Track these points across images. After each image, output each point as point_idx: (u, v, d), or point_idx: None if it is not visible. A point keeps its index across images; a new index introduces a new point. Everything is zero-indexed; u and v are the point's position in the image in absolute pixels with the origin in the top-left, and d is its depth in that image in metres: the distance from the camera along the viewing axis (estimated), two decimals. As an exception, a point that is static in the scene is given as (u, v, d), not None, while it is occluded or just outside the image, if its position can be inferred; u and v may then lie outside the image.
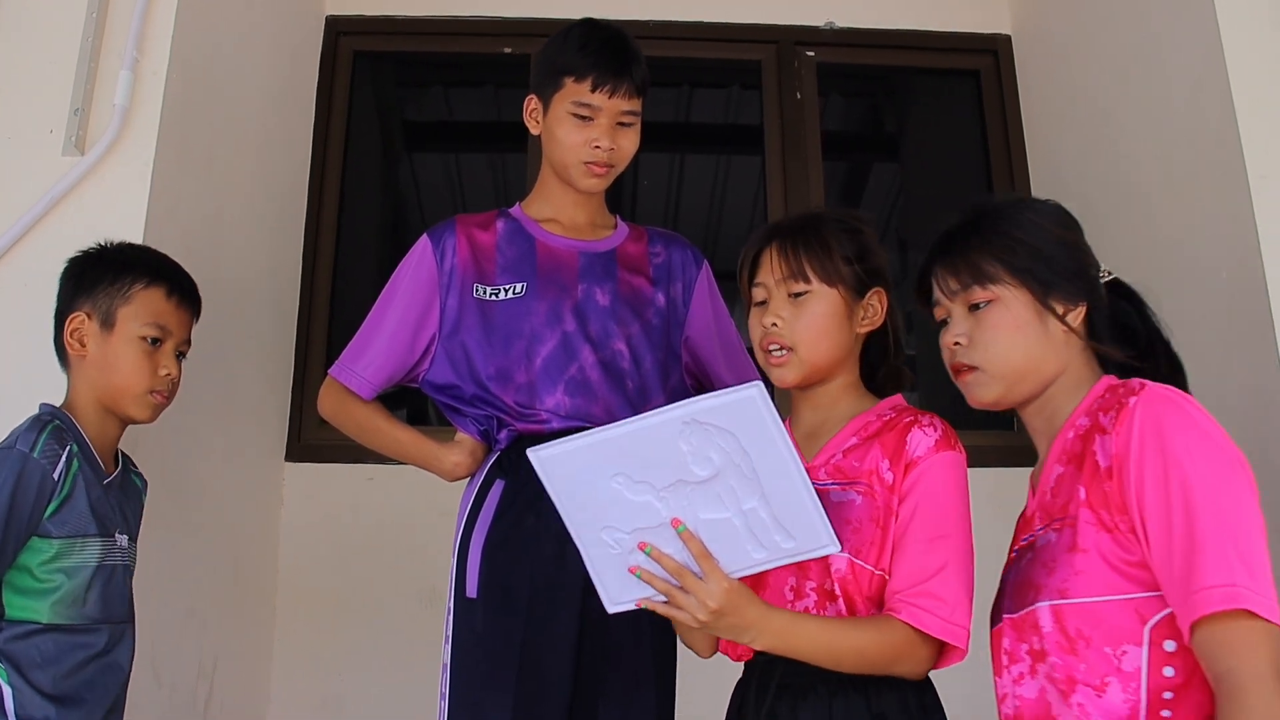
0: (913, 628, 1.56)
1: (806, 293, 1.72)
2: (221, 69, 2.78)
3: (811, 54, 3.82)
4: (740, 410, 1.44)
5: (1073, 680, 1.41)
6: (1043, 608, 1.45)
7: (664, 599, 1.55)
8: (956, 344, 1.60)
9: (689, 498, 1.50)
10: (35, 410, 1.91)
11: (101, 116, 2.37)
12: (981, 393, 1.59)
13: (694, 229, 5.16)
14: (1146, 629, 1.38)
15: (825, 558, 1.59)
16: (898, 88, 4.29)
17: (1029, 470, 1.67)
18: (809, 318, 1.71)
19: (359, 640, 3.22)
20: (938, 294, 1.64)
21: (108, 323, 1.94)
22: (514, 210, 2.23)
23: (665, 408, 1.47)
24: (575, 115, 2.07)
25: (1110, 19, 3.09)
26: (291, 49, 3.46)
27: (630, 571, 1.55)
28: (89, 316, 1.94)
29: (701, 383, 2.25)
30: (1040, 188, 3.54)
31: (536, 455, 1.53)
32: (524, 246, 2.15)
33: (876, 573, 1.60)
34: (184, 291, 2.02)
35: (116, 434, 1.99)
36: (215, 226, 2.75)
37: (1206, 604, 1.30)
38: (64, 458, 1.82)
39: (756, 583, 1.62)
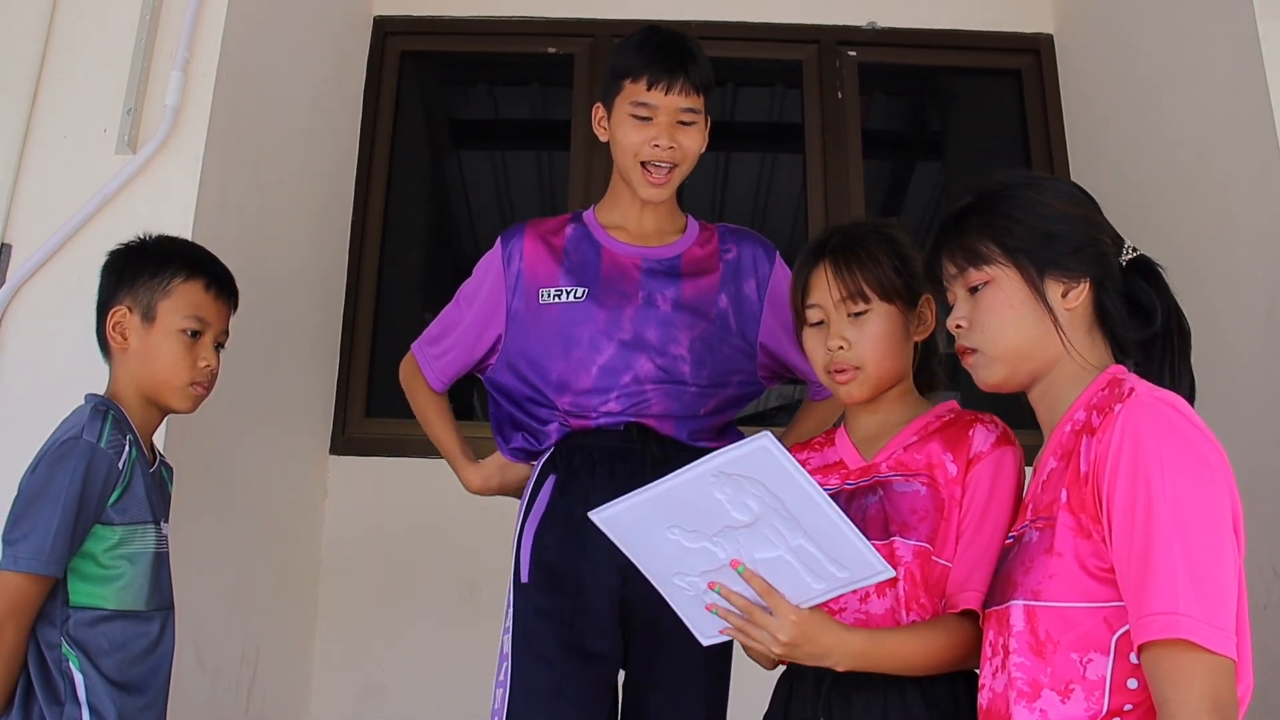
0: (975, 619, 1.59)
1: (867, 311, 1.73)
2: (270, 69, 2.85)
3: (853, 54, 3.83)
4: (757, 459, 1.45)
5: (1038, 684, 1.40)
6: (1017, 606, 1.44)
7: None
8: (959, 327, 1.60)
9: (739, 541, 1.53)
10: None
11: (153, 116, 2.44)
12: (985, 374, 1.57)
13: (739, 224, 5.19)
14: (1114, 639, 1.37)
15: (890, 545, 1.62)
16: (939, 87, 4.29)
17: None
18: (873, 338, 1.73)
19: (400, 631, 3.27)
20: (945, 280, 1.64)
21: (149, 316, 1.96)
22: (586, 215, 2.25)
23: (690, 465, 1.50)
24: (634, 116, 2.07)
25: (1150, 19, 3.09)
26: (339, 49, 3.52)
27: (707, 609, 1.60)
28: (130, 310, 1.97)
29: (776, 371, 2.24)
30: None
31: (598, 517, 1.58)
32: (590, 252, 2.17)
33: (941, 563, 1.63)
34: (222, 284, 2.05)
35: (157, 424, 2.04)
36: (263, 224, 2.81)
37: (1149, 630, 1.29)
38: (126, 447, 1.86)
39: None
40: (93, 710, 1.78)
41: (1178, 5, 2.94)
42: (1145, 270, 1.58)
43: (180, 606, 2.15)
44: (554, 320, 2.12)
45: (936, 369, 1.87)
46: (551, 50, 3.85)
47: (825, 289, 1.75)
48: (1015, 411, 1.78)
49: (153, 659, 1.89)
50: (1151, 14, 3.10)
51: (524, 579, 2.04)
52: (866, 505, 1.69)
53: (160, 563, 1.93)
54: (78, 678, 1.79)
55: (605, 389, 2.07)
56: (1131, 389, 1.42)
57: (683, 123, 2.08)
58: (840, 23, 3.84)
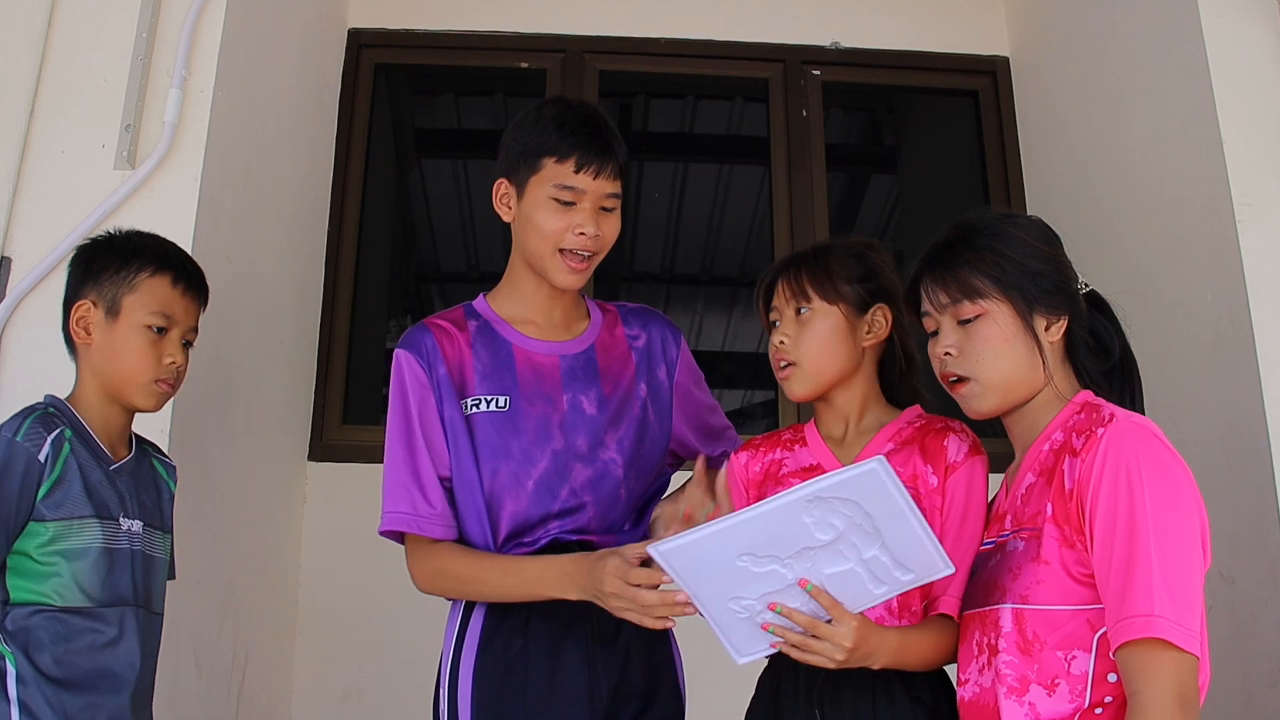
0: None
1: (810, 311, 1.86)
2: (257, 83, 2.90)
3: (817, 73, 3.95)
4: (864, 482, 1.48)
5: (1025, 680, 1.53)
6: (1005, 609, 1.58)
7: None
8: (947, 354, 1.71)
9: (814, 559, 1.56)
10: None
11: (151, 132, 2.49)
12: (978, 404, 1.69)
13: (695, 235, 5.30)
14: (1095, 638, 1.51)
15: None
16: (898, 104, 4.43)
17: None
18: (810, 333, 1.86)
19: (377, 634, 3.32)
20: (927, 305, 1.74)
21: (113, 311, 1.92)
22: (479, 305, 2.04)
23: (789, 491, 1.50)
24: (556, 200, 1.89)
25: (1106, 47, 3.23)
26: (318, 62, 3.58)
27: (764, 629, 1.61)
28: (95, 304, 1.92)
29: (677, 454, 2.11)
30: (1034, 206, 3.67)
31: (657, 550, 1.55)
32: (500, 353, 1.97)
33: None
34: (191, 280, 1.99)
35: (123, 421, 1.97)
36: (250, 237, 2.86)
37: (1128, 631, 1.43)
38: (50, 441, 1.81)
39: None
40: (22, 706, 1.75)
41: (1130, 32, 3.08)
42: (1099, 305, 1.74)
43: (177, 612, 2.19)
44: (476, 433, 1.91)
45: (917, 386, 1.96)
46: (524, 65, 3.93)
47: (779, 294, 1.90)
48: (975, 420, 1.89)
49: (103, 657, 1.82)
50: (1104, 39, 3.24)
51: None
52: None
53: (116, 559, 1.86)
54: (10, 673, 1.76)
55: (541, 506, 1.89)
56: (1111, 415, 1.56)
57: (604, 209, 1.93)
58: (805, 42, 3.97)
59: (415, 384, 1.93)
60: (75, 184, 2.45)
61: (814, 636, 1.59)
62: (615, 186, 1.93)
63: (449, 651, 1.90)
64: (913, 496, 1.75)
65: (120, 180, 2.45)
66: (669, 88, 4.35)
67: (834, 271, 1.87)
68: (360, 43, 3.89)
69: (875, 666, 1.65)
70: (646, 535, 1.95)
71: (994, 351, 1.66)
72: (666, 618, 1.67)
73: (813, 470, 1.87)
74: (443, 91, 4.47)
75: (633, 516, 1.98)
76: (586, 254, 1.92)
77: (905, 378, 1.95)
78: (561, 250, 1.90)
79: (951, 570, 1.60)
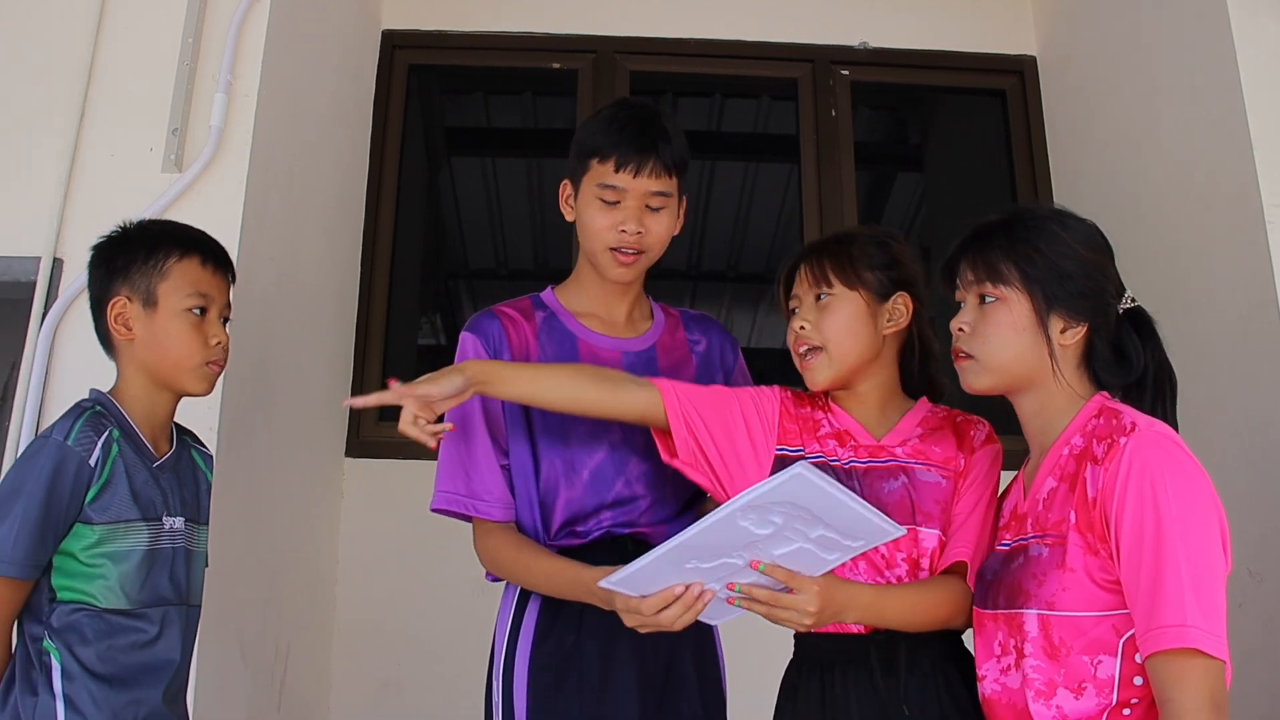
0: (963, 572, 1.77)
1: (830, 296, 1.88)
2: (299, 87, 2.96)
3: (846, 73, 3.99)
4: (794, 485, 1.54)
5: (1053, 684, 1.57)
6: (1031, 614, 1.61)
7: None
8: (961, 330, 1.74)
9: (758, 547, 1.63)
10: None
11: (197, 136, 2.55)
12: (973, 380, 1.73)
13: (722, 232, 5.34)
14: (1121, 642, 1.55)
15: (915, 536, 1.77)
16: (924, 102, 4.46)
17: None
18: (832, 318, 1.87)
19: (414, 628, 3.38)
20: (959, 281, 1.78)
21: (150, 301, 1.91)
22: (547, 298, 2.09)
23: (719, 509, 1.56)
24: (601, 199, 1.94)
25: (1133, 46, 3.26)
26: (354, 63, 3.63)
27: (728, 602, 1.69)
28: (130, 299, 1.92)
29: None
30: (1061, 204, 3.68)
31: (608, 582, 1.64)
32: (565, 344, 2.01)
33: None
34: (218, 258, 2.00)
35: (168, 412, 1.98)
36: (293, 237, 2.92)
37: (1161, 640, 1.47)
38: (100, 444, 1.82)
39: None
40: (68, 701, 1.77)
41: (1157, 31, 3.10)
42: (1138, 320, 1.74)
43: (223, 605, 2.25)
44: (534, 423, 1.96)
45: (939, 378, 1.98)
46: (556, 66, 3.97)
47: (800, 280, 1.91)
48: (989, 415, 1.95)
49: (144, 655, 1.85)
50: (1132, 39, 3.26)
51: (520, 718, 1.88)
52: (890, 489, 1.82)
53: (158, 560, 1.88)
54: (55, 669, 1.78)
55: (595, 498, 1.94)
56: (1134, 423, 1.58)
57: (651, 207, 1.96)
58: (834, 42, 4.00)
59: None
60: (124, 187, 2.51)
61: (778, 606, 1.66)
62: (661, 184, 1.95)
63: (501, 647, 1.94)
64: (949, 477, 1.83)
65: (168, 183, 2.51)
66: (697, 87, 4.39)
67: (856, 257, 1.88)
68: (394, 44, 3.94)
69: (849, 620, 1.71)
70: None
71: (1001, 338, 1.69)
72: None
73: (843, 435, 1.89)
74: (472, 90, 4.52)
75: (682, 512, 2.02)
76: (632, 250, 1.96)
77: (924, 367, 1.97)
78: (611, 247, 1.96)
79: (902, 532, 1.67)
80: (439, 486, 1.98)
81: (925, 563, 1.78)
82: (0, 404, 3.73)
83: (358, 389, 3.60)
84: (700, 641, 1.98)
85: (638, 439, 1.97)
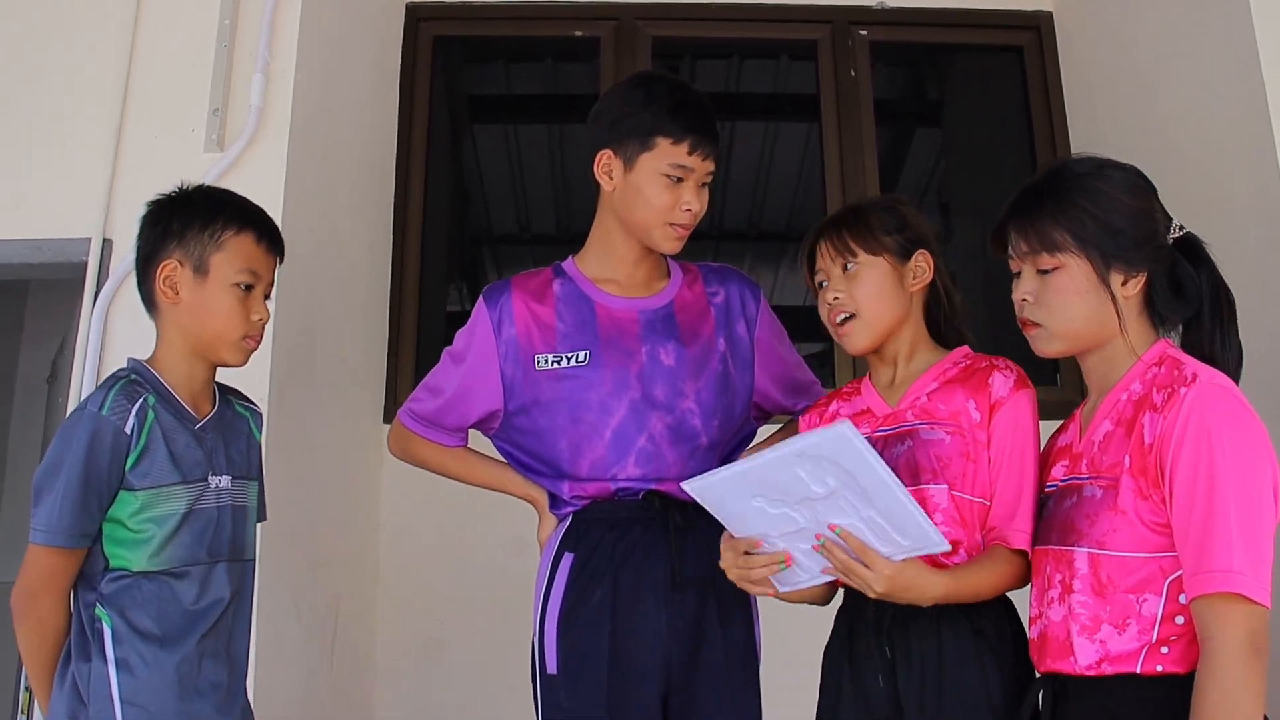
0: (1023, 552, 1.82)
1: (857, 265, 1.95)
2: (331, 64, 3.04)
3: (864, 33, 4.02)
4: (835, 443, 1.60)
5: (1098, 619, 1.64)
6: (1081, 552, 1.67)
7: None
8: (1024, 300, 1.78)
9: (817, 510, 1.68)
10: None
11: (237, 115, 2.64)
12: (1045, 347, 1.78)
13: (743, 191, 5.38)
14: (1166, 582, 1.61)
15: (923, 492, 1.83)
16: (942, 60, 4.49)
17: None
18: (863, 285, 1.94)
19: (454, 587, 3.49)
20: (1011, 250, 1.81)
21: (201, 269, 1.91)
22: (568, 267, 2.18)
23: (775, 447, 1.65)
24: (669, 176, 2.03)
25: (1149, 1, 3.27)
26: (381, 37, 3.71)
27: (815, 549, 1.74)
28: (181, 263, 1.92)
29: (762, 407, 2.24)
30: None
31: (690, 486, 1.73)
32: (584, 311, 2.11)
33: (976, 500, 1.86)
34: (273, 237, 2.01)
35: (206, 376, 1.99)
36: (329, 208, 3.01)
37: (1207, 584, 1.54)
38: (134, 411, 1.83)
39: None
40: (120, 664, 1.80)
41: (1173, -14, 3.12)
42: (1189, 248, 1.77)
43: (278, 563, 2.34)
44: (556, 388, 2.07)
45: (963, 329, 2.04)
46: (578, 33, 4.02)
47: (823, 255, 1.98)
48: (1021, 360, 1.98)
49: (193, 613, 1.87)
50: (1148, -7, 3.27)
51: (550, 669, 2.00)
52: (898, 454, 1.89)
53: (205, 519, 1.91)
54: (107, 634, 1.81)
55: (621, 454, 2.04)
56: (1195, 374, 1.63)
57: (703, 184, 2.09)
58: (852, 3, 4.04)
59: (477, 339, 2.12)
60: (169, 167, 2.53)
61: (851, 572, 1.73)
62: (712, 165, 2.08)
63: (538, 600, 2.05)
64: (954, 432, 1.88)
65: (211, 162, 2.60)
66: (716, 50, 4.42)
67: (873, 225, 1.96)
68: (419, 16, 4.00)
69: (925, 604, 1.76)
70: None
71: (1067, 304, 1.73)
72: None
73: (864, 414, 1.98)
74: (494, 59, 4.57)
75: (715, 466, 2.07)
76: (688, 225, 2.08)
77: (950, 319, 2.04)
78: (671, 223, 2.06)
79: (946, 547, 1.71)
80: (407, 404, 2.25)
81: (938, 518, 1.82)
82: (51, 382, 3.85)
83: (393, 354, 3.69)
84: (734, 601, 2.06)
85: (658, 396, 2.07)
